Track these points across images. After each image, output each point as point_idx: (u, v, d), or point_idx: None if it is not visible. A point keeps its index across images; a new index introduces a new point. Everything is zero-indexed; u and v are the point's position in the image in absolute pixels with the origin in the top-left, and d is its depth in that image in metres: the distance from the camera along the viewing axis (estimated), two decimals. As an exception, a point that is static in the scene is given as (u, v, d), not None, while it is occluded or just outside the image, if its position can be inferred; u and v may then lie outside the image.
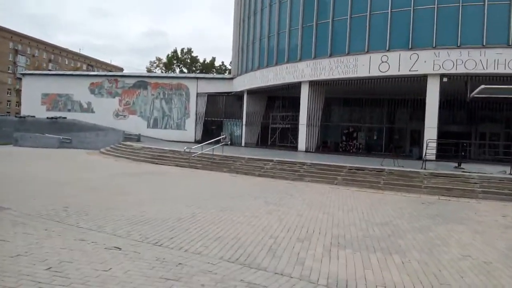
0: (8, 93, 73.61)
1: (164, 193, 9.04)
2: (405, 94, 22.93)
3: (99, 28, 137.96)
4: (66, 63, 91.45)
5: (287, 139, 26.67)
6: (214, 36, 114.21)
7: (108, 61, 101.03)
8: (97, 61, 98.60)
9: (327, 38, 22.06)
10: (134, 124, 32.73)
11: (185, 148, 15.31)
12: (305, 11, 23.25)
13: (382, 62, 20.24)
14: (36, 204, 7.06)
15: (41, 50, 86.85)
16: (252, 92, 28.17)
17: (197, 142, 31.55)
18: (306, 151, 22.95)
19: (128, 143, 23.61)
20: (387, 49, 20.20)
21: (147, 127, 33.27)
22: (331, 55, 21.88)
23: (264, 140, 28.42)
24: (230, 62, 61.65)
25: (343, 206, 8.58)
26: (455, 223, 7.53)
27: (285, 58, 24.33)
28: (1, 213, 6.22)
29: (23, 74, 37.69)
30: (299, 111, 24.03)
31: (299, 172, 13.39)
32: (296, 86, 23.76)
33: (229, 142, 21.46)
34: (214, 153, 16.07)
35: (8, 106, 70.98)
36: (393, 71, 19.96)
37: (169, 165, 16.35)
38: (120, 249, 4.77)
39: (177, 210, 7.23)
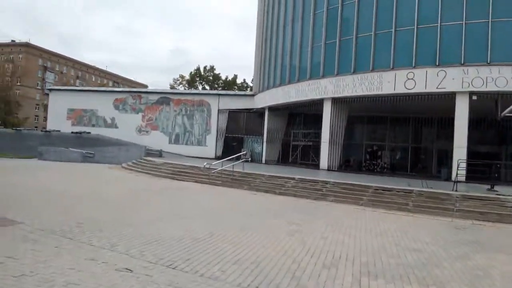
0: (36, 108, 76.05)
1: (182, 210, 8.72)
2: (431, 112, 22.19)
3: (125, 47, 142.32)
4: (93, 79, 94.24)
5: (309, 157, 26.16)
6: (236, 54, 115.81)
7: (132, 79, 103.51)
8: (122, 79, 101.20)
9: (350, 54, 21.70)
10: (156, 140, 32.96)
11: (205, 164, 15.06)
12: (328, 28, 23.03)
13: (408, 79, 19.67)
14: (50, 218, 6.86)
15: (69, 67, 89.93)
16: (273, 109, 27.94)
17: (217, 158, 31.39)
18: (328, 169, 22.35)
19: (150, 158, 23.64)
20: (413, 65, 19.64)
21: (169, 143, 33.43)
22: (354, 72, 21.46)
23: (285, 157, 27.99)
24: (252, 79, 62.17)
25: (370, 229, 8.03)
26: (494, 251, 6.88)
27: (308, 74, 24.05)
28: (13, 228, 6.02)
29: (50, 90, 38.79)
30: (321, 129, 23.62)
31: (321, 191, 12.87)
32: (319, 103, 23.37)
33: (249, 159, 21.12)
34: (234, 169, 15.76)
35: (36, 121, 73.20)
36: (419, 89, 19.35)
37: (189, 181, 16.11)
38: (131, 271, 4.44)
39: (194, 228, 6.89)
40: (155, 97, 34.48)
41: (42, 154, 27.67)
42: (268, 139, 28.20)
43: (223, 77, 61.83)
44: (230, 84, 60.12)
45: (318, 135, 25.30)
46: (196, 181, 15.88)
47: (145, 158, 24.18)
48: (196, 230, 6.79)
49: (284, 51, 26.57)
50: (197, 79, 61.91)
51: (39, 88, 78.30)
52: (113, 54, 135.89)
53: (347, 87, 21.58)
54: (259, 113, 30.35)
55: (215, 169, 15.61)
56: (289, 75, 25.74)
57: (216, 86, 59.50)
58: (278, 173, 15.91)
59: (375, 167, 27.37)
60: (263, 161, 28.05)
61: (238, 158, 17.42)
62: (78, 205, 8.43)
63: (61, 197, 9.50)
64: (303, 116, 26.61)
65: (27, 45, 78.95)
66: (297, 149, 27.18)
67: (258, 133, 30.61)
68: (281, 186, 13.83)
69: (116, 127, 34.84)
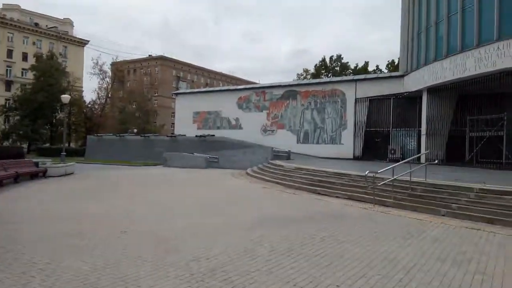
0: (171, 116, 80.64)
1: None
2: None
3: (249, 53, 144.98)
4: (220, 85, 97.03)
5: (497, 154, 18.35)
6: (361, 46, 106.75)
7: (257, 81, 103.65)
8: (247, 82, 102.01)
9: None
10: (283, 140, 28.72)
11: (367, 172, 9.64)
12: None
13: None
14: None
15: (199, 75, 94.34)
16: (435, 90, 20.79)
17: (356, 158, 25.64)
18: (544, 171, 14.59)
19: (278, 162, 19.26)
20: None
21: (297, 142, 28.89)
22: None
23: (454, 154, 20.46)
24: (387, 65, 53.93)
25: None
26: None
27: (495, 33, 16.48)
28: None
29: (176, 94, 38.36)
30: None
31: None
32: (515, 74, 15.81)
33: (436, 161, 14.76)
34: (412, 179, 9.91)
35: (172, 128, 77.51)
36: None
37: (337, 196, 10.92)
38: None
39: None
40: (280, 92, 30.35)
41: (167, 161, 25.95)
42: (429, 132, 21.17)
43: (352, 66, 55.11)
44: (360, 73, 53.07)
45: (512, 121, 17.53)
46: (349, 198, 10.56)
47: (272, 162, 19.95)
48: None
49: (450, 10, 19.29)
50: (323, 71, 56.57)
51: (174, 97, 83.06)
52: (238, 61, 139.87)
53: None
54: (411, 98, 23.42)
55: (382, 180, 9.98)
56: (461, 40, 18.42)
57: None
58: (489, 183, 9.46)
59: None
60: (422, 160, 21.13)
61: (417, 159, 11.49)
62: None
63: (126, 246, 5.26)
64: (484, 96, 18.90)
65: (162, 58, 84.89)
66: (474, 143, 19.51)
67: (410, 124, 23.72)
68: (521, 211, 7.54)
69: (240, 128, 31.87)
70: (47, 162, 18.34)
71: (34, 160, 18.64)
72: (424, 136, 21.47)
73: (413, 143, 23.53)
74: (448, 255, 5.12)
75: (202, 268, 4.40)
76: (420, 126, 22.24)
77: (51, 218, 7.51)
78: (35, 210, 8.57)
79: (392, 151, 23.98)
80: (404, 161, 11.33)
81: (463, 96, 20.56)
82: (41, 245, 5.42)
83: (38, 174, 16.41)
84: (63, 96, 22.95)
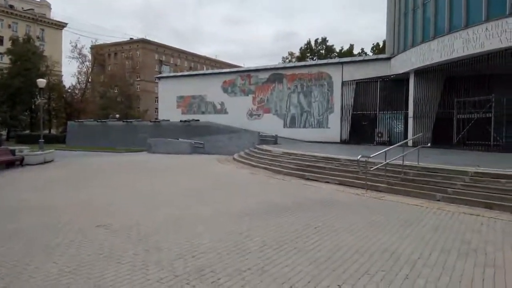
0: (155, 101, 79.06)
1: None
2: None
3: (234, 37, 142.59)
4: (204, 69, 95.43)
5: (484, 135, 18.31)
6: (346, 30, 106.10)
7: (242, 65, 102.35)
8: (231, 66, 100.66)
9: None
10: (269, 124, 28.32)
11: (359, 156, 9.25)
12: None
13: None
14: None
15: (182, 59, 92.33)
16: (422, 72, 20.57)
17: (343, 142, 25.48)
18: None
19: (265, 147, 18.87)
20: None
21: (284, 127, 28.51)
22: None
23: (441, 137, 20.39)
24: (372, 47, 53.54)
25: None
26: None
27: (483, 15, 16.21)
28: None
29: (159, 78, 37.34)
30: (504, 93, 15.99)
31: None
32: (503, 55, 15.60)
33: (428, 144, 14.62)
34: (405, 163, 9.62)
35: (155, 113, 76.09)
36: None
37: (327, 181, 10.60)
38: None
39: None
40: (265, 75, 29.75)
41: (152, 147, 25.25)
42: (416, 114, 21.02)
43: (338, 49, 54.63)
44: (346, 55, 52.67)
45: (500, 104, 17.44)
46: (340, 183, 10.25)
47: (259, 146, 19.54)
48: None
49: (438, -11, 18.89)
50: (308, 54, 55.92)
51: (157, 82, 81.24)
52: (223, 45, 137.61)
53: None
54: (398, 80, 23.16)
55: (374, 164, 9.65)
56: (449, 21, 18.11)
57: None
58: (479, 164, 9.24)
59: None
60: (410, 144, 21.01)
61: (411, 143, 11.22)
62: None
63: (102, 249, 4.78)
64: (471, 78, 18.76)
65: (143, 41, 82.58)
66: (461, 125, 19.41)
67: (397, 107, 23.53)
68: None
69: (225, 112, 31.27)
70: (24, 150, 17.53)
71: (11, 147, 17.78)
72: (411, 118, 21.33)
73: (400, 126, 23.39)
74: (452, 245, 4.81)
75: (188, 268, 3.97)
76: (407, 108, 22.08)
77: (26, 210, 6.97)
78: (9, 201, 8.01)
79: (379, 134, 23.85)
80: (397, 144, 11.06)
81: (450, 78, 20.38)
82: (13, 241, 4.91)
83: (15, 163, 15.65)
84: (39, 80, 21.80)
